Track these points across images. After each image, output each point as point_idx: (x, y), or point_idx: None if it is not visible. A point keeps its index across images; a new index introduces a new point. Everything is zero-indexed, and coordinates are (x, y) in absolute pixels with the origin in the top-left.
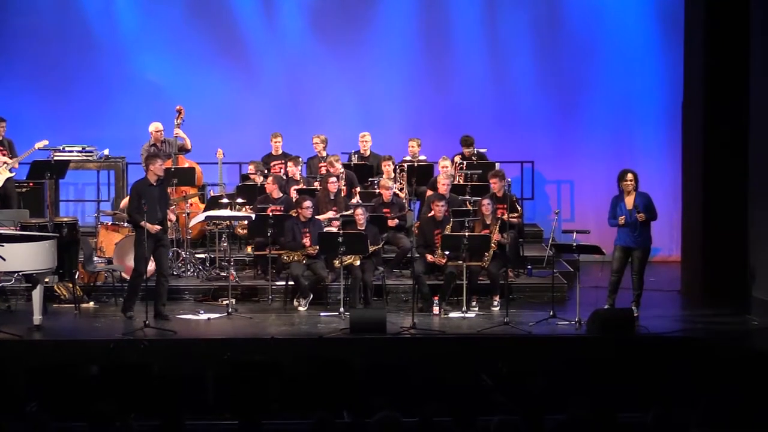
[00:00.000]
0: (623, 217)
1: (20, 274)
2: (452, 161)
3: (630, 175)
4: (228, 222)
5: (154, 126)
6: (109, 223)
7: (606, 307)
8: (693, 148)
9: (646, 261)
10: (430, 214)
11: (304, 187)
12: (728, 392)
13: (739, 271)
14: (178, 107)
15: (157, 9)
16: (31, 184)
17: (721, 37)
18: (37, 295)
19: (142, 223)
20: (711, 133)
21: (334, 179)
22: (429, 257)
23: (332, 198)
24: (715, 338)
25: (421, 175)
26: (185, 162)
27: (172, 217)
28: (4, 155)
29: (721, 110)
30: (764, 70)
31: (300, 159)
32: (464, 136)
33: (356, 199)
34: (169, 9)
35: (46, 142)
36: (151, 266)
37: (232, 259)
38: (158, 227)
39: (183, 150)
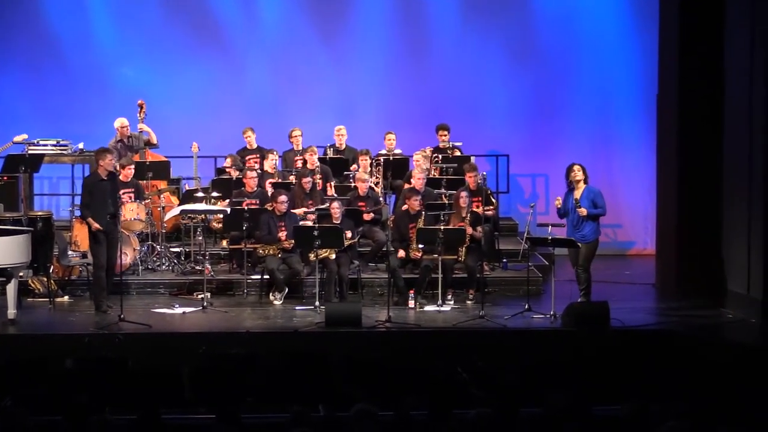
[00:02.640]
0: (559, 198)
1: None
2: (429, 156)
3: (577, 167)
4: (203, 216)
5: (120, 121)
6: None
7: (580, 300)
8: (667, 140)
9: (591, 255)
10: (404, 208)
11: (280, 180)
12: (703, 385)
13: (713, 264)
14: (139, 102)
15: (132, 2)
16: (5, 177)
17: (696, 30)
18: (11, 289)
19: (88, 219)
20: (685, 125)
21: (308, 179)
22: (400, 253)
23: (308, 192)
24: (689, 331)
25: (396, 169)
26: (155, 157)
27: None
28: None
29: (696, 102)
30: (739, 63)
31: (275, 152)
32: (440, 123)
33: (331, 193)
34: (145, 2)
35: (25, 136)
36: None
37: (207, 253)
38: (98, 226)
39: (149, 144)
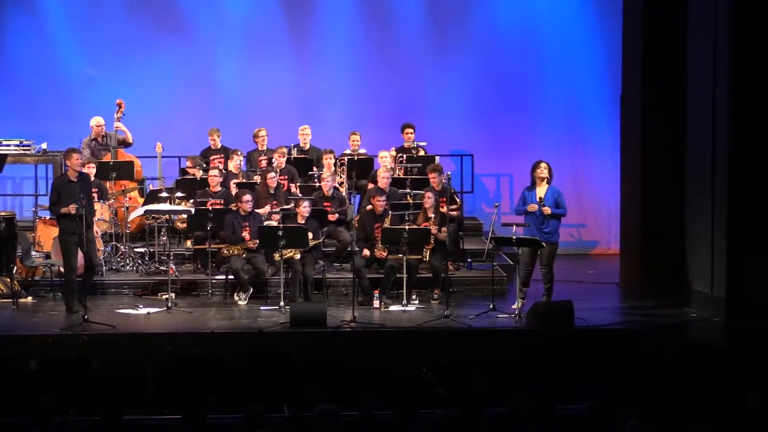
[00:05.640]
0: (534, 204)
1: None
2: (394, 156)
3: (544, 165)
4: (167, 216)
5: (96, 120)
6: (47, 218)
7: (518, 302)
8: (631, 140)
9: (555, 254)
10: (369, 208)
11: (244, 180)
12: (667, 384)
13: (677, 263)
14: (118, 101)
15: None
16: None
17: (660, 31)
18: None
19: (63, 210)
20: (649, 125)
21: (272, 174)
22: (365, 252)
23: (272, 192)
24: (653, 330)
25: (361, 169)
26: (125, 156)
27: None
28: None
29: (660, 103)
30: (702, 64)
31: (240, 152)
32: (406, 122)
33: (296, 193)
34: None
35: None
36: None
37: (171, 253)
38: (72, 208)
39: (124, 144)
